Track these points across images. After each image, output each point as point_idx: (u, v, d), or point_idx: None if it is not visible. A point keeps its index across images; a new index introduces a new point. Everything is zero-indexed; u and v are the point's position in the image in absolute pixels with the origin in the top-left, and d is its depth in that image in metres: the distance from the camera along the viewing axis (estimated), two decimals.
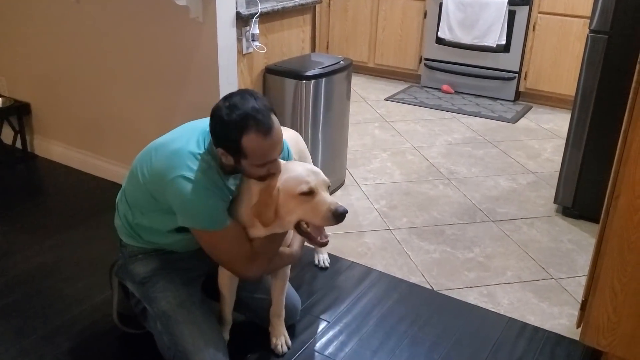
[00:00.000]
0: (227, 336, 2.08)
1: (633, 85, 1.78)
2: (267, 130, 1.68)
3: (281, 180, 1.75)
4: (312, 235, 1.77)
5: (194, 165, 1.74)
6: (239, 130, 1.66)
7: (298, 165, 1.82)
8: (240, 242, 1.82)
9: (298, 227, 1.78)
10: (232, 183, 1.86)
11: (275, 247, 1.90)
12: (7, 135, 3.68)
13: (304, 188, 1.71)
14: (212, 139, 1.76)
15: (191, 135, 1.81)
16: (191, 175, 1.73)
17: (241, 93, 1.73)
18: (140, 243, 1.99)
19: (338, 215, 1.69)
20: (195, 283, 2.02)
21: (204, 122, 1.81)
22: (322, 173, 1.79)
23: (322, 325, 2.27)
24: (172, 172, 1.74)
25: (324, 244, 1.80)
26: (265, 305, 2.13)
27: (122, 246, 2.05)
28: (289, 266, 2.08)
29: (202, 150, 1.78)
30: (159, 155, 1.80)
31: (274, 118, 1.72)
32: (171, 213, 1.81)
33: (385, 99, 5.06)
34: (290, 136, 2.20)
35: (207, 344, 1.86)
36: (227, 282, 2.01)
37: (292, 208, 1.73)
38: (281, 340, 2.12)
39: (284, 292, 2.08)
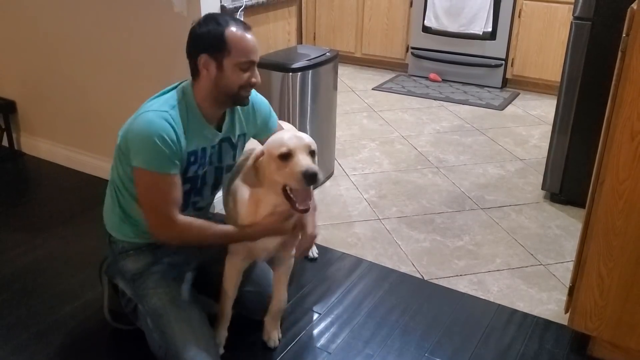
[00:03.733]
0: (225, 333, 2.08)
1: (615, 72, 1.80)
2: (246, 26, 1.81)
3: (266, 144, 1.85)
4: (293, 201, 1.80)
5: (164, 105, 1.81)
6: (221, 26, 1.76)
7: (285, 132, 1.91)
8: (172, 194, 1.81)
9: (284, 191, 1.81)
10: (209, 131, 1.89)
11: (209, 233, 1.90)
12: None
13: (283, 150, 1.76)
14: (193, 54, 1.80)
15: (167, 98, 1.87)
16: (157, 112, 1.78)
17: (214, 12, 1.88)
18: (131, 236, 1.99)
19: (308, 177, 1.72)
20: (187, 279, 2.02)
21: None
22: (307, 138, 1.83)
23: (314, 317, 2.29)
24: (143, 110, 1.81)
25: (302, 211, 1.81)
26: (254, 298, 2.14)
27: (111, 242, 2.04)
28: (292, 259, 2.07)
29: (175, 102, 1.83)
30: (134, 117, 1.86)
31: None
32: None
33: (372, 89, 5.06)
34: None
35: (198, 341, 1.87)
36: (233, 277, 2.00)
37: (272, 170, 1.79)
38: (274, 335, 2.13)
39: (286, 285, 2.09)
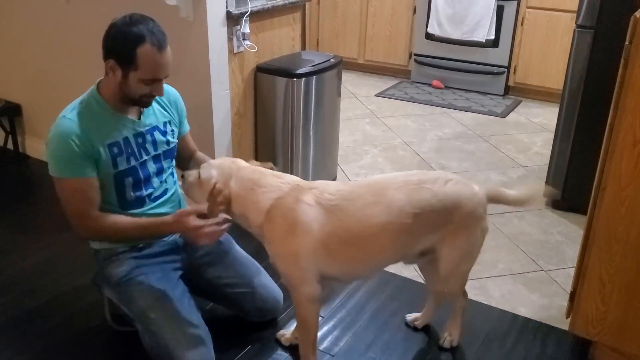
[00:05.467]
0: None
1: (618, 79, 1.81)
2: (161, 46, 1.82)
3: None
4: None
5: (73, 108, 1.88)
6: (136, 40, 1.77)
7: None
8: (87, 195, 1.86)
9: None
10: (127, 120, 1.95)
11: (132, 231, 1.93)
12: None
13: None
14: (104, 52, 1.83)
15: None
16: (65, 119, 1.85)
17: (142, 15, 1.86)
18: (106, 243, 2.02)
19: None
20: (172, 276, 2.04)
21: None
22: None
23: None
24: (57, 118, 1.88)
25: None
26: (248, 299, 2.16)
27: (95, 252, 2.07)
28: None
29: (78, 102, 1.91)
30: None
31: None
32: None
33: (375, 95, 5.08)
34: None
35: (187, 336, 1.88)
36: (312, 314, 1.94)
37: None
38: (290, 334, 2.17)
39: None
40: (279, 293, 2.25)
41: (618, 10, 2.67)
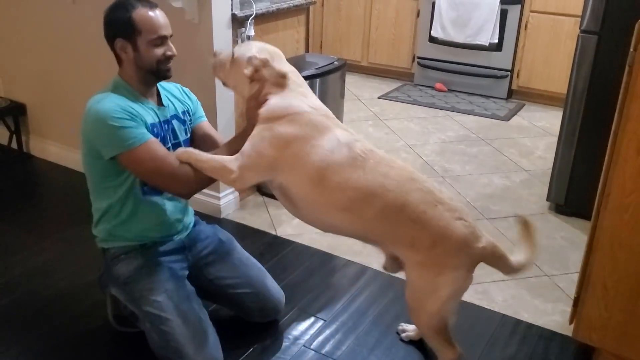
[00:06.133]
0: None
1: (622, 86, 1.82)
2: (152, 5, 1.90)
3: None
4: None
5: (102, 94, 1.90)
6: (127, 9, 1.86)
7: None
8: (163, 156, 1.86)
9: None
10: (152, 106, 1.97)
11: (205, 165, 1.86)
12: (3, 136, 3.69)
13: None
14: (109, 39, 1.92)
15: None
16: (100, 100, 1.86)
17: None
18: (121, 239, 2.02)
19: None
20: (180, 276, 2.05)
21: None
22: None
23: (319, 324, 2.30)
24: (87, 109, 1.88)
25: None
26: (250, 299, 2.17)
27: (104, 251, 2.08)
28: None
29: (109, 90, 1.93)
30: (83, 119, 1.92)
31: None
32: (112, 166, 1.90)
33: (378, 97, 5.09)
34: None
35: (198, 336, 1.89)
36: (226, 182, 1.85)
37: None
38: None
39: None
40: (280, 294, 2.26)
41: (623, 16, 2.67)
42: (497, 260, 1.83)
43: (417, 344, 2.20)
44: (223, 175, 1.79)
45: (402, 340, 2.22)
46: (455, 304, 1.84)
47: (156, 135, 1.92)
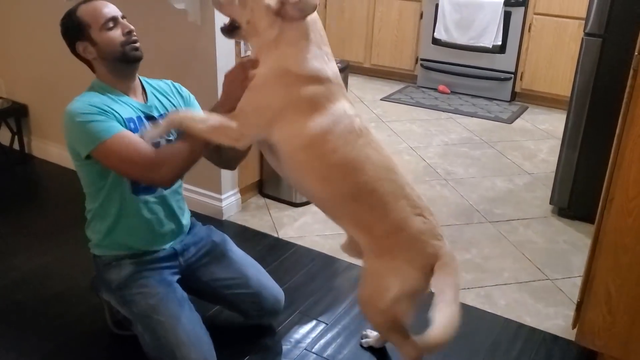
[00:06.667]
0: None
1: (627, 90, 1.81)
2: None
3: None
4: None
5: (77, 96, 1.90)
6: (71, 12, 1.90)
7: None
8: (136, 145, 1.80)
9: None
10: (131, 101, 1.95)
11: (188, 148, 1.80)
12: (5, 137, 3.69)
13: None
14: (70, 46, 1.93)
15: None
16: (73, 102, 1.86)
17: None
18: (112, 247, 2.02)
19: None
20: (171, 280, 2.03)
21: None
22: None
23: (321, 327, 2.29)
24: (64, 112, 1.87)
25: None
26: (248, 299, 2.15)
27: (95, 257, 2.08)
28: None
29: (86, 91, 1.94)
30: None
31: None
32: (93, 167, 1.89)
33: (381, 99, 5.08)
34: None
35: (190, 337, 1.88)
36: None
37: None
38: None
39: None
40: (279, 292, 2.23)
41: (627, 19, 2.66)
42: (445, 272, 1.74)
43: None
44: (224, 133, 1.68)
45: (361, 345, 2.18)
46: (408, 305, 1.76)
47: (133, 130, 1.87)
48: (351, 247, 1.93)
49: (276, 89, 1.66)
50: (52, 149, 3.61)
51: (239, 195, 3.13)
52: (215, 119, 1.69)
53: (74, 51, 1.94)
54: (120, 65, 1.91)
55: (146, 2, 2.81)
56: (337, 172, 1.69)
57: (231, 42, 2.75)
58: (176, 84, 2.13)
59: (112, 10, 1.90)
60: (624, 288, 1.89)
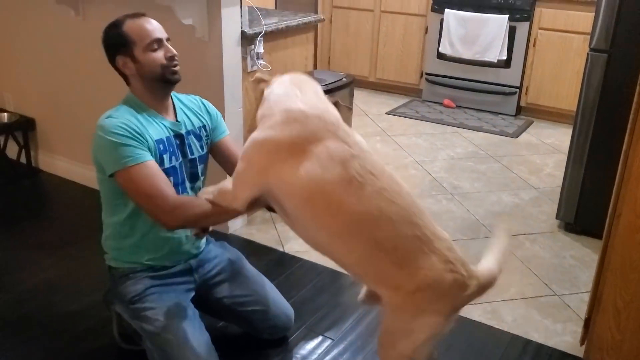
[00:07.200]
0: None
1: (633, 106, 1.81)
2: (138, 14, 1.93)
3: None
4: None
5: (112, 109, 1.92)
6: (117, 25, 1.91)
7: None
8: (159, 179, 1.82)
9: None
10: (163, 120, 1.97)
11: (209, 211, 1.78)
12: (12, 151, 3.71)
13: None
14: (110, 58, 1.95)
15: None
16: (107, 115, 1.88)
17: None
18: (125, 260, 2.02)
19: None
20: (185, 297, 2.04)
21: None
22: None
23: (327, 343, 2.28)
24: (96, 124, 1.89)
25: None
26: (259, 316, 2.16)
27: (111, 269, 2.08)
28: None
29: (119, 105, 1.95)
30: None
31: None
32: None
33: (386, 113, 5.09)
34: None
35: (198, 358, 1.87)
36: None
37: None
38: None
39: None
40: (290, 310, 2.25)
41: (633, 35, 2.67)
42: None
43: None
44: (224, 200, 1.69)
45: None
46: (430, 347, 1.69)
47: (163, 151, 1.91)
48: (371, 300, 1.79)
49: (252, 137, 1.60)
50: (59, 163, 3.63)
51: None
52: (216, 187, 1.74)
53: (112, 63, 1.95)
54: (157, 85, 1.94)
55: (154, 17, 2.83)
56: (346, 230, 1.54)
57: (238, 58, 2.77)
58: (204, 101, 2.15)
59: (159, 31, 1.92)
60: (633, 304, 1.88)
